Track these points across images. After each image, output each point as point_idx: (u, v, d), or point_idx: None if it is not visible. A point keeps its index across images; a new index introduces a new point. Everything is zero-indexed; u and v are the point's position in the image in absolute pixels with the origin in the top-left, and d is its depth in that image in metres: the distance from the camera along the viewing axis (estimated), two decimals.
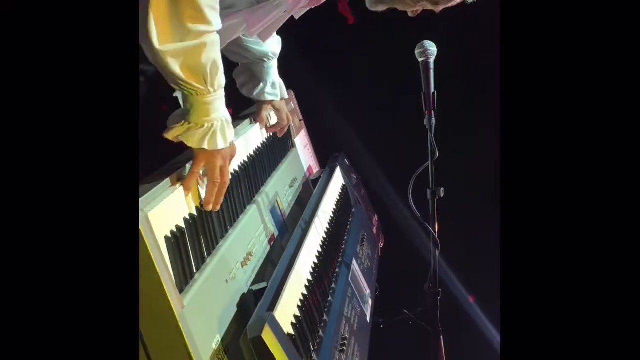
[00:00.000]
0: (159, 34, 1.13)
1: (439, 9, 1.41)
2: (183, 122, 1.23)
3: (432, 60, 1.65)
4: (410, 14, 1.44)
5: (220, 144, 1.25)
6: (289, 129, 2.05)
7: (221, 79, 1.23)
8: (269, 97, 1.82)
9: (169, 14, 1.13)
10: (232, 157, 1.32)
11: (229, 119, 1.28)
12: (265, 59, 1.76)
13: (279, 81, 1.85)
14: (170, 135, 1.24)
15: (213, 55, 1.19)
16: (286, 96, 1.91)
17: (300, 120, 2.32)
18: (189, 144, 1.24)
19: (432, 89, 1.66)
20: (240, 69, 1.82)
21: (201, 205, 1.30)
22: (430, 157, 1.68)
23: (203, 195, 1.31)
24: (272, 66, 1.80)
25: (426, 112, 1.67)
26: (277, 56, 1.81)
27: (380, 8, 1.45)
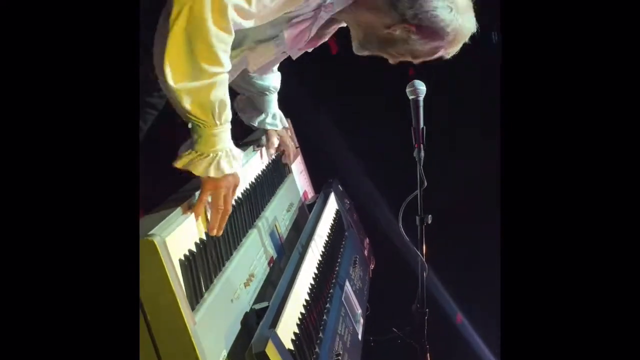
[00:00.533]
0: (173, 72, 1.24)
1: (417, 61, 1.55)
2: (190, 151, 1.34)
3: (421, 98, 1.79)
4: (390, 61, 1.57)
5: (226, 170, 1.35)
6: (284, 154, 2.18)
7: (228, 114, 1.34)
8: (269, 127, 1.97)
9: (184, 54, 1.24)
10: (235, 186, 1.42)
11: (234, 149, 1.38)
12: (267, 92, 1.91)
13: (279, 112, 2.00)
14: (179, 165, 1.35)
15: (222, 93, 1.30)
16: (286, 125, 2.05)
17: (296, 147, 2.44)
18: (195, 173, 1.35)
19: (422, 124, 1.80)
20: (242, 100, 1.96)
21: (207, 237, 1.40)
22: (419, 187, 1.82)
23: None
24: (273, 99, 1.95)
25: (415, 146, 1.80)
26: (277, 90, 1.95)
27: (365, 53, 1.58)
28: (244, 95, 1.94)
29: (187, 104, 1.27)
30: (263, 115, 1.95)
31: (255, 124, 1.96)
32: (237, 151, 1.39)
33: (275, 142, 2.03)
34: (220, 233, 1.43)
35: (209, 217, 1.42)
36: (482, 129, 2.59)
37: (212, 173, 1.34)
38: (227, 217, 1.42)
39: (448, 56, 1.53)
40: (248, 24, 1.33)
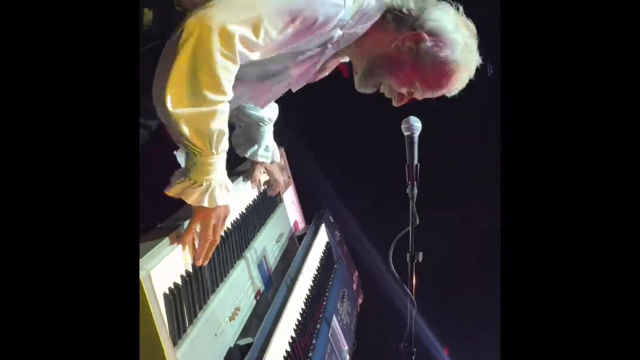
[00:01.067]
0: (173, 97, 1.22)
1: (424, 95, 1.53)
2: (184, 179, 1.32)
3: (416, 135, 1.78)
4: (394, 102, 1.56)
5: (219, 201, 1.33)
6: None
7: (225, 144, 1.32)
8: (260, 159, 1.93)
9: (187, 80, 1.22)
10: (225, 217, 1.40)
11: (228, 181, 1.36)
12: (262, 124, 1.88)
13: (273, 145, 1.97)
14: (171, 192, 1.32)
15: (222, 123, 1.29)
16: (278, 159, 2.02)
17: (289, 177, 2.43)
18: (188, 201, 1.32)
19: (416, 161, 1.78)
20: (237, 135, 1.94)
21: (193, 269, 1.37)
22: (411, 224, 1.80)
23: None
24: (267, 130, 1.92)
25: (409, 182, 1.79)
26: (273, 122, 1.93)
27: (368, 88, 1.56)
28: (239, 127, 1.92)
29: (185, 130, 1.25)
30: (255, 147, 1.92)
31: (247, 155, 1.93)
32: (230, 183, 1.38)
33: (258, 176, 1.99)
34: (206, 263, 1.40)
35: (196, 246, 1.40)
36: (482, 167, 2.59)
37: (205, 203, 1.32)
38: (214, 247, 1.40)
39: (453, 90, 1.52)
40: (254, 56, 1.32)
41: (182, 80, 1.22)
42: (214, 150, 1.30)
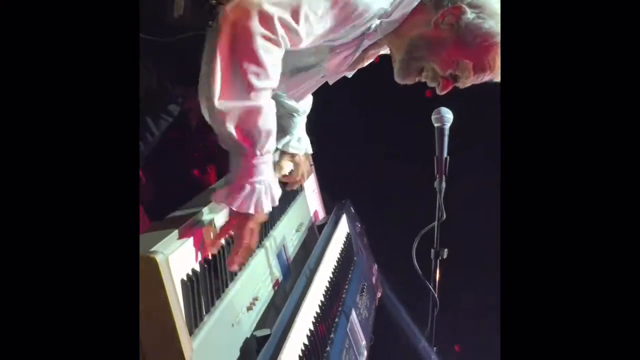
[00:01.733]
0: (217, 89, 1.17)
1: (470, 78, 1.43)
2: (228, 183, 1.26)
3: (447, 127, 1.72)
4: (437, 90, 1.46)
5: (265, 208, 1.27)
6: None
7: (271, 145, 1.26)
8: (292, 150, 1.87)
9: (230, 69, 1.17)
10: (264, 221, 1.34)
11: (275, 184, 1.30)
12: (295, 114, 1.82)
13: (306, 137, 1.91)
14: (217, 199, 1.27)
15: (269, 121, 1.23)
16: (310, 151, 1.96)
17: (310, 165, 2.37)
18: (233, 207, 1.25)
19: (445, 154, 1.72)
20: None
21: (212, 256, 1.32)
22: (437, 219, 1.74)
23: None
24: (300, 121, 1.85)
25: (437, 176, 1.72)
26: (307, 113, 1.87)
27: (409, 78, 1.48)
28: None
29: (231, 128, 1.19)
30: (288, 137, 1.85)
31: (280, 146, 1.87)
32: (276, 189, 1.31)
33: (285, 167, 1.93)
34: (239, 269, 1.34)
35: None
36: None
37: (251, 209, 1.25)
38: (249, 253, 1.33)
39: (496, 76, 1.42)
40: (294, 46, 1.26)
41: (225, 70, 1.17)
42: (258, 151, 1.23)
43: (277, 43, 1.20)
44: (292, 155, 1.89)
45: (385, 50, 1.56)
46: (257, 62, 1.17)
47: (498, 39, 1.37)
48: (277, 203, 1.31)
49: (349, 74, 1.57)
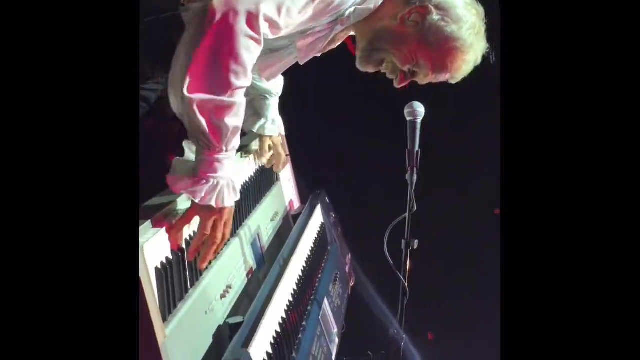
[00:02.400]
0: (193, 81, 1.18)
1: (428, 76, 1.49)
2: (190, 176, 1.26)
3: (419, 121, 1.75)
4: (395, 83, 1.51)
5: (227, 203, 1.29)
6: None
7: (237, 142, 1.28)
8: (268, 133, 1.90)
9: (210, 64, 1.18)
10: (229, 218, 1.34)
11: (235, 180, 1.32)
12: (268, 96, 1.85)
13: (279, 119, 1.94)
14: (177, 189, 1.28)
15: (239, 119, 1.25)
16: (283, 132, 2.00)
17: (287, 155, 2.40)
18: (195, 200, 1.27)
19: (417, 148, 1.76)
20: None
21: (187, 244, 1.34)
22: (409, 210, 1.78)
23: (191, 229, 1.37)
24: (273, 103, 1.89)
25: (408, 168, 1.76)
26: (279, 94, 1.90)
27: (370, 66, 1.52)
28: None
29: (200, 120, 1.21)
30: (263, 120, 1.89)
31: (255, 130, 1.90)
32: (237, 182, 1.33)
33: (267, 149, 1.97)
34: (204, 267, 1.35)
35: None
36: (480, 154, 2.56)
37: (212, 202, 1.27)
38: (213, 247, 1.33)
39: (457, 74, 1.48)
40: (274, 36, 1.29)
41: (204, 64, 1.18)
42: (224, 147, 1.25)
43: (258, 42, 1.23)
44: (269, 138, 1.92)
45: (353, 32, 1.59)
46: (238, 61, 1.20)
47: (459, 43, 1.43)
48: (238, 197, 1.33)
49: (318, 54, 1.60)
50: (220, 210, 1.30)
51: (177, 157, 1.33)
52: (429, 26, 1.42)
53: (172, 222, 1.28)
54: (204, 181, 1.26)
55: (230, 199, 1.31)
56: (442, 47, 1.44)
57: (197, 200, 1.26)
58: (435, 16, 1.41)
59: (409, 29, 1.44)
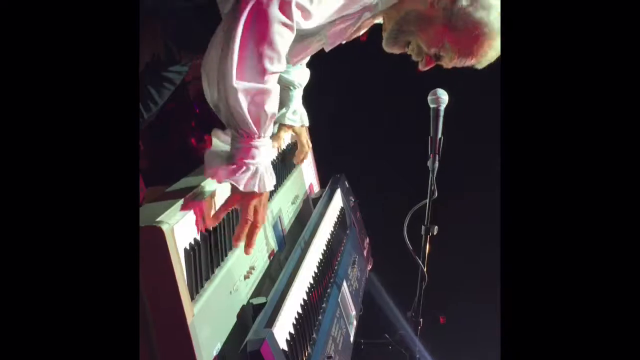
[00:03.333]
0: (235, 70, 1.20)
1: (452, 61, 1.49)
2: (228, 164, 1.29)
3: (442, 108, 1.76)
4: (420, 66, 1.52)
5: (268, 187, 1.32)
6: (295, 147, 2.15)
7: (271, 129, 1.32)
8: (288, 122, 1.93)
9: (248, 52, 1.21)
10: (266, 201, 1.38)
11: (270, 166, 1.35)
12: (291, 87, 1.87)
13: (301, 110, 1.96)
14: (220, 178, 1.30)
15: (275, 105, 1.28)
16: (306, 123, 2.01)
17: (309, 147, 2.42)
18: (240, 187, 1.29)
19: (439, 135, 1.77)
20: None
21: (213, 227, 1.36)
22: (429, 197, 1.80)
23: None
24: (296, 95, 1.91)
25: (430, 155, 1.78)
26: (303, 87, 1.92)
27: (396, 48, 1.53)
28: None
29: (244, 107, 1.23)
30: (284, 110, 1.91)
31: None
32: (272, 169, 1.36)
33: (284, 137, 1.98)
34: (250, 252, 1.39)
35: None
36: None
37: (256, 188, 1.30)
38: (256, 231, 1.37)
39: (482, 61, 1.48)
40: (306, 24, 1.31)
41: (241, 52, 1.20)
42: (262, 133, 1.28)
43: (291, 28, 1.25)
44: (289, 127, 1.94)
45: (379, 20, 1.60)
46: (273, 47, 1.22)
47: (487, 29, 1.42)
48: (275, 182, 1.36)
49: (344, 41, 1.61)
50: (260, 195, 1.33)
51: (209, 149, 1.35)
52: (458, 11, 1.42)
53: (201, 204, 1.31)
54: (245, 168, 1.28)
55: (270, 183, 1.33)
56: (470, 33, 1.44)
57: (241, 188, 1.29)
58: (465, 2, 1.42)
59: (437, 12, 1.44)
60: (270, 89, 1.25)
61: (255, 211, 1.34)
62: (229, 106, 1.24)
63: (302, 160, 2.14)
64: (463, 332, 2.86)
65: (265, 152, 1.31)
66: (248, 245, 1.37)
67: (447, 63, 1.52)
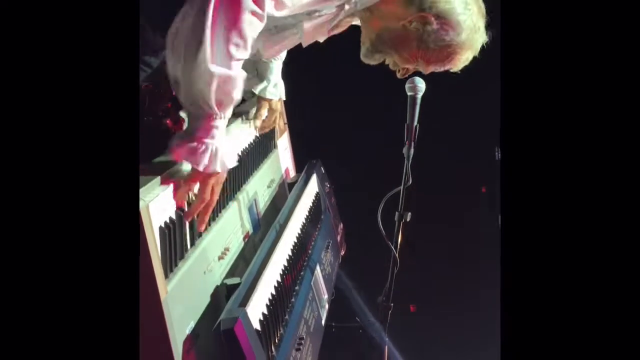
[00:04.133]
0: (208, 53, 1.20)
1: (428, 70, 1.55)
2: (190, 142, 1.29)
3: (419, 96, 1.79)
4: (398, 75, 1.57)
5: (228, 165, 1.33)
6: (272, 130, 2.17)
7: (230, 112, 1.32)
8: (269, 96, 1.93)
9: (218, 37, 1.21)
10: (223, 178, 1.38)
11: (229, 145, 1.35)
12: (272, 59, 1.87)
13: (281, 82, 1.97)
14: (179, 157, 1.31)
15: (239, 91, 1.28)
16: (284, 97, 2.02)
17: (285, 123, 2.42)
18: (199, 168, 1.29)
19: (415, 122, 1.79)
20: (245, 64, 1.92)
21: (188, 205, 1.37)
22: (404, 183, 1.82)
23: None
24: (277, 66, 1.91)
25: (406, 142, 1.80)
26: (283, 59, 1.92)
27: (373, 61, 1.57)
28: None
29: (210, 89, 1.23)
30: (264, 83, 1.91)
31: (256, 92, 1.92)
32: (233, 147, 1.38)
33: (264, 113, 1.99)
34: (203, 229, 1.40)
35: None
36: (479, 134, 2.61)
37: (218, 168, 1.31)
38: (210, 209, 1.38)
39: (457, 67, 1.53)
40: (279, 14, 1.32)
41: (214, 36, 1.20)
42: (222, 114, 1.29)
43: (261, 18, 1.26)
44: (269, 101, 1.95)
45: (357, 22, 1.62)
46: (241, 34, 1.22)
47: (458, 48, 1.49)
48: (236, 161, 1.37)
49: (322, 39, 1.62)
50: (218, 173, 1.33)
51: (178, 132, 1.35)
52: (429, 34, 1.47)
53: (178, 181, 1.31)
54: (204, 147, 1.28)
55: (230, 161, 1.34)
56: (442, 52, 1.50)
57: (200, 169, 1.29)
58: (435, 26, 1.46)
59: (410, 34, 1.49)
60: (237, 76, 1.26)
61: (212, 190, 1.35)
62: (195, 85, 1.23)
63: (279, 136, 2.14)
64: (434, 321, 2.93)
65: (222, 130, 1.31)
66: (201, 223, 1.38)
67: (424, 71, 1.59)
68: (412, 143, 1.80)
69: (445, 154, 2.71)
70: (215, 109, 1.26)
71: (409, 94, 1.80)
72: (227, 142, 1.34)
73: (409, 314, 3.11)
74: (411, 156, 1.81)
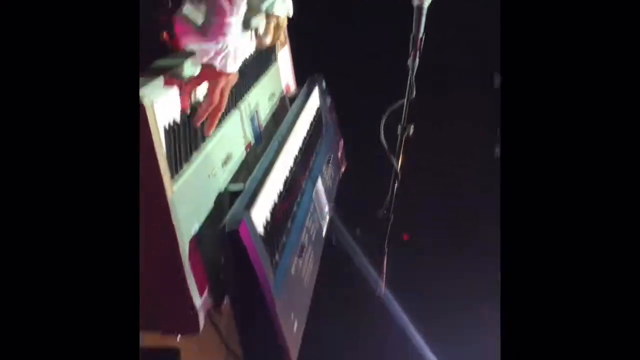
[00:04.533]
0: None
1: None
2: (200, 33, 1.26)
3: (425, 6, 1.73)
4: None
5: (230, 68, 1.30)
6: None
7: (244, 7, 1.29)
8: (277, 12, 1.86)
9: None
10: (233, 82, 1.37)
11: (242, 46, 1.33)
12: None
13: None
14: (189, 39, 1.28)
15: None
16: (291, 14, 1.95)
17: (285, 37, 2.37)
18: (217, 66, 1.28)
19: (421, 33, 1.75)
20: None
21: (192, 110, 1.36)
22: (407, 96, 1.80)
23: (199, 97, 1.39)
24: None
25: (411, 54, 1.76)
26: None
27: None
28: None
29: None
30: None
31: (263, 7, 1.86)
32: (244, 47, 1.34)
33: (272, 29, 1.93)
34: (210, 133, 1.39)
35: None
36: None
37: (233, 68, 1.29)
38: (219, 113, 1.37)
39: None
40: None
41: None
42: (236, 10, 1.25)
43: None
44: (277, 18, 1.89)
45: None
46: None
47: None
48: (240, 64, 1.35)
49: None
50: (228, 75, 1.31)
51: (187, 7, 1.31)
52: None
53: (182, 82, 1.29)
54: (218, 44, 1.26)
55: (234, 65, 1.32)
56: None
57: (216, 64, 1.28)
58: None
59: None
60: None
61: (222, 94, 1.34)
62: None
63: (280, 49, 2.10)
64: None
65: (236, 31, 1.29)
66: (210, 126, 1.38)
67: None
68: (417, 54, 1.76)
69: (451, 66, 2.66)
70: (229, 4, 1.23)
71: (415, 3, 1.74)
72: (239, 44, 1.31)
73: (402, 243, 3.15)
74: (416, 68, 1.77)
